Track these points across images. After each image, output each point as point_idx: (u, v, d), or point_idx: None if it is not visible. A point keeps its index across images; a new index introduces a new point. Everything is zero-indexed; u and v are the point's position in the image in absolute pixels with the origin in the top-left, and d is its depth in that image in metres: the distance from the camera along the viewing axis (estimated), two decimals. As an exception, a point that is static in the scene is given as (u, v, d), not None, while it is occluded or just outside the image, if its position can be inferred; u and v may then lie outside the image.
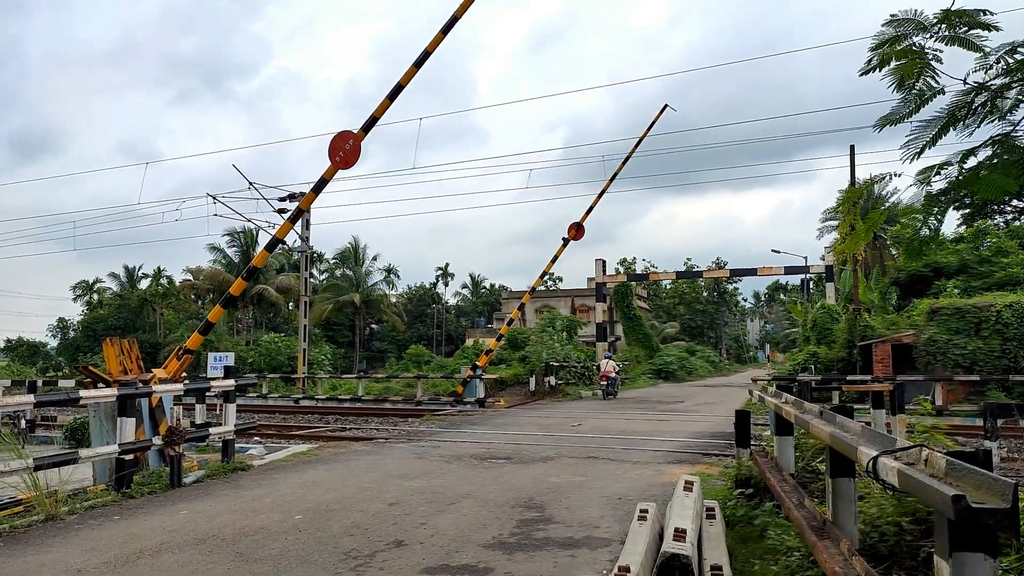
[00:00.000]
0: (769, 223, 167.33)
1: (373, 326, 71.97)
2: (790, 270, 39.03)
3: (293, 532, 6.07)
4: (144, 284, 66.81)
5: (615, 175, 27.33)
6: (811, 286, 48.02)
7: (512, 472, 9.15)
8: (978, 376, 21.11)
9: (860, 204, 5.09)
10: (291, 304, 57.17)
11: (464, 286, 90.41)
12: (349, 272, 62.47)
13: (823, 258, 34.97)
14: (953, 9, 3.82)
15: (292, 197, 31.01)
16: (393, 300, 69.06)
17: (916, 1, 4.02)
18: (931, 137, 3.97)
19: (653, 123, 27.06)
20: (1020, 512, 2.51)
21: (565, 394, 27.34)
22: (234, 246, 55.36)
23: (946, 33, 3.90)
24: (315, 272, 65.48)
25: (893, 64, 4.04)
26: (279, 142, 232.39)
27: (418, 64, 15.12)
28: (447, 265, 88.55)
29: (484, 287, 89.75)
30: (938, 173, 4.10)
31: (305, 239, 32.10)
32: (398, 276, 74.74)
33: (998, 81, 3.88)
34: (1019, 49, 3.80)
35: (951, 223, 43.17)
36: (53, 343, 73.66)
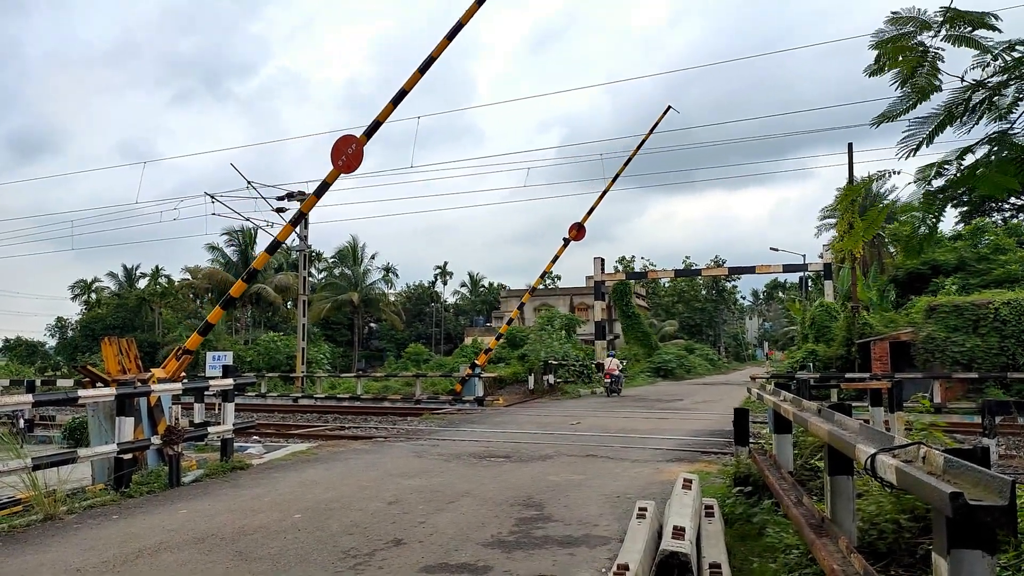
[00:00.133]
0: (767, 221, 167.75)
1: (372, 325, 71.96)
2: (788, 268, 39.08)
3: (292, 531, 6.07)
4: (142, 284, 66.78)
5: (616, 176, 27.35)
6: (809, 284, 48.04)
7: (511, 470, 9.15)
8: (976, 373, 21.13)
9: (858, 202, 5.08)
10: (289, 303, 57.13)
11: (463, 285, 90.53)
12: (347, 271, 62.44)
13: (821, 256, 35.03)
14: (962, 10, 3.81)
15: (291, 196, 30.97)
16: (392, 299, 69.03)
17: (916, 0, 4.02)
18: (928, 134, 3.97)
19: (656, 124, 27.08)
20: (1018, 509, 2.52)
21: (564, 392, 27.35)
22: (232, 245, 55.34)
23: (951, 33, 3.90)
24: (313, 271, 65.39)
25: (900, 60, 4.03)
26: (278, 141, 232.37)
27: (422, 70, 15.14)
28: (445, 264, 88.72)
29: (483, 286, 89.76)
30: (939, 173, 4.10)
31: (303, 238, 32.07)
32: (396, 275, 74.89)
33: (996, 79, 3.88)
34: (1017, 47, 3.80)
35: (949, 221, 43.24)
36: (51, 343, 73.73)
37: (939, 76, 3.96)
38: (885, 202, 26.07)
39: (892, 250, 38.73)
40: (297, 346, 32.19)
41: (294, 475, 9.00)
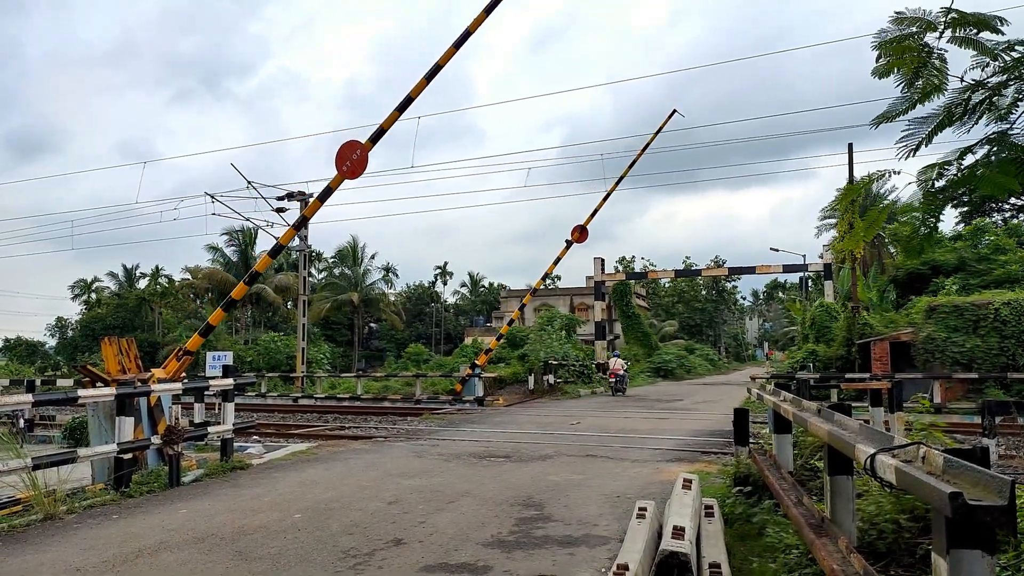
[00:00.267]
0: (768, 221, 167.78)
1: (372, 325, 71.96)
2: (788, 268, 39.08)
3: (292, 531, 6.07)
4: (142, 283, 66.82)
5: (620, 180, 27.37)
6: (809, 284, 48.06)
7: (511, 470, 9.15)
8: (976, 374, 21.14)
9: (858, 202, 5.08)
10: (290, 303, 57.13)
11: (463, 285, 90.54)
12: (348, 271, 62.43)
13: (821, 256, 35.03)
14: (966, 12, 3.81)
15: (291, 196, 30.97)
16: (392, 299, 69.03)
17: (914, 0, 4.01)
18: (927, 134, 3.97)
19: (661, 128, 27.09)
20: (1017, 509, 2.52)
21: (564, 392, 27.35)
22: (232, 245, 55.32)
23: (957, 34, 3.89)
24: (313, 271, 65.38)
25: (904, 60, 4.02)
26: (278, 141, 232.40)
27: (428, 77, 15.19)
28: (446, 264, 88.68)
29: (483, 286, 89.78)
30: (940, 174, 4.10)
31: (303, 238, 32.06)
32: (396, 275, 74.90)
33: (995, 79, 3.88)
34: (1016, 47, 3.80)
35: (950, 221, 43.25)
36: (51, 342, 73.79)
37: (944, 77, 3.96)
38: (885, 202, 26.11)
39: (892, 250, 38.73)
40: (297, 346, 32.19)
41: (294, 475, 9.00)
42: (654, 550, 4.54)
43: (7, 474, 6.79)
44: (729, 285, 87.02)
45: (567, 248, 27.47)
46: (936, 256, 30.69)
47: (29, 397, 7.62)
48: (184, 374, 11.87)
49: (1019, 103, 3.90)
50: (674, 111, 27.16)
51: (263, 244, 55.56)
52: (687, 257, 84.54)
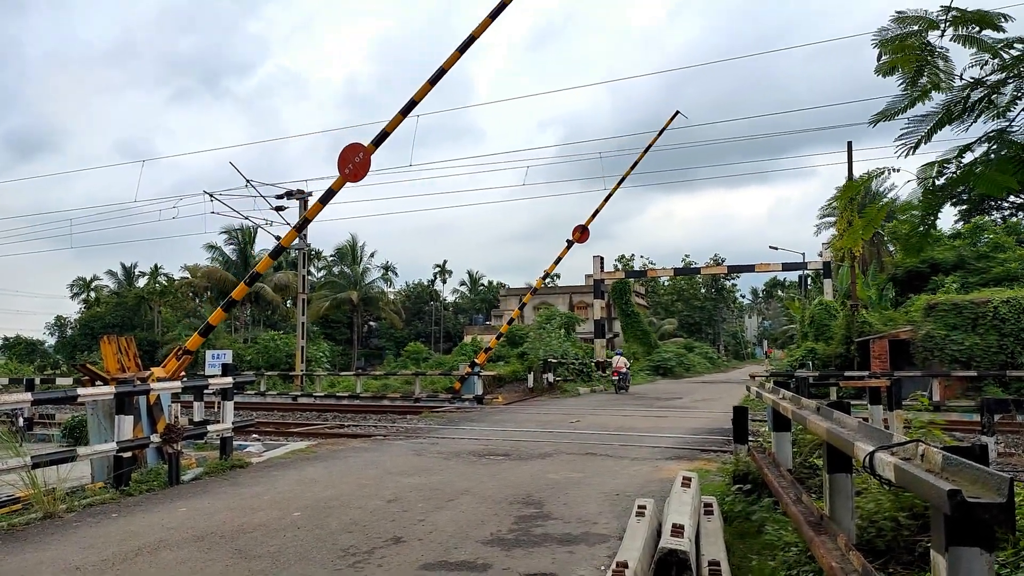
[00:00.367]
0: (767, 220, 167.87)
1: (371, 323, 71.98)
2: (788, 266, 39.08)
3: (292, 529, 6.07)
4: (142, 282, 66.84)
5: (622, 180, 27.40)
6: (809, 282, 48.10)
7: (510, 468, 9.16)
8: (975, 372, 21.17)
9: (857, 200, 5.08)
10: (289, 301, 57.11)
11: (462, 283, 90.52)
12: (347, 269, 62.42)
13: (821, 254, 35.01)
14: (968, 11, 3.80)
15: (289, 195, 30.95)
16: (391, 297, 69.02)
17: (914, 1, 4.01)
18: (927, 132, 3.97)
19: (663, 129, 27.11)
20: (1016, 507, 2.52)
21: (563, 391, 27.37)
22: (232, 244, 55.32)
23: (959, 32, 3.89)
24: (312, 269, 65.38)
25: (905, 59, 4.02)
26: (277, 140, 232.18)
27: (432, 82, 15.23)
28: (445, 262, 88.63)
29: (482, 284, 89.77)
30: (940, 172, 4.10)
31: (303, 236, 32.06)
32: (396, 273, 74.83)
33: (994, 77, 3.88)
34: (1015, 45, 3.79)
35: (948, 219, 43.29)
36: (51, 341, 73.76)
37: (946, 76, 3.96)
38: (884, 200, 26.02)
39: (891, 248, 38.75)
40: (296, 344, 32.20)
41: (293, 473, 9.00)
42: (653, 548, 4.55)
43: (7, 472, 6.79)
44: (728, 283, 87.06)
45: (568, 248, 27.48)
46: (935, 254, 30.72)
47: (28, 396, 7.60)
48: (184, 373, 11.88)
49: (1018, 101, 3.89)
50: (676, 112, 27.18)
51: (262, 243, 55.62)
52: (686, 255, 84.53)
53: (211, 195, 29.16)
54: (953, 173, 4.08)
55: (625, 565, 4.03)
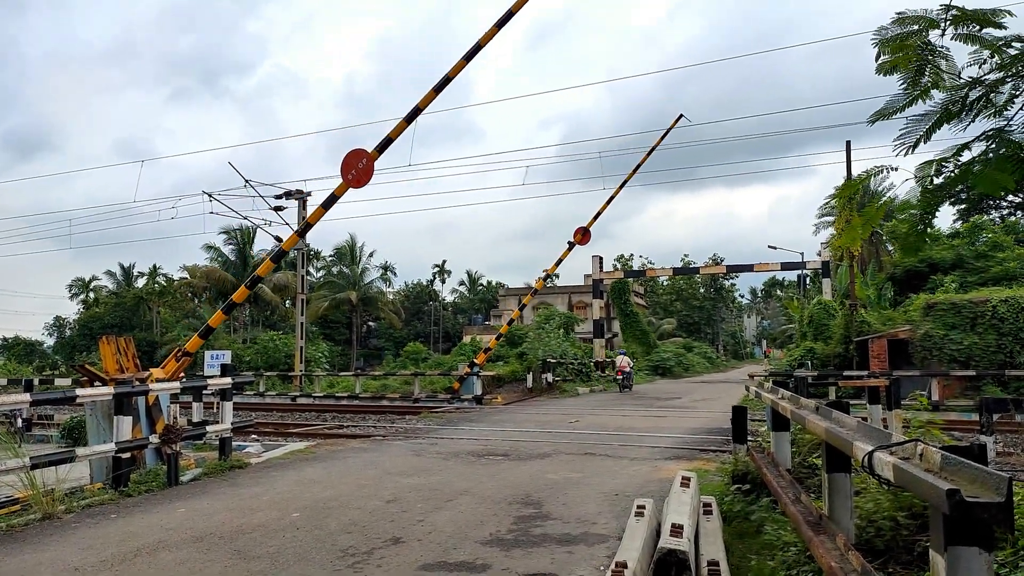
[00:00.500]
0: (766, 219, 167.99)
1: (370, 323, 71.96)
2: (787, 266, 39.07)
3: (291, 530, 6.07)
4: (140, 282, 66.81)
5: (624, 183, 27.49)
6: (808, 282, 48.06)
7: (509, 469, 9.15)
8: (974, 371, 21.18)
9: (856, 199, 5.08)
10: (288, 302, 57.06)
11: (461, 283, 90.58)
12: (346, 269, 62.36)
13: (819, 254, 35.02)
14: (968, 10, 3.80)
15: (288, 195, 30.92)
16: (390, 297, 69.03)
17: (914, 1, 4.01)
18: (926, 131, 3.97)
19: (666, 133, 27.20)
20: (1015, 506, 2.52)
21: (562, 391, 27.36)
22: (230, 244, 55.24)
23: (960, 31, 3.89)
24: (312, 269, 65.35)
25: (906, 58, 4.01)
26: (276, 139, 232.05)
27: (437, 89, 15.29)
28: (444, 262, 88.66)
29: (481, 284, 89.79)
30: (939, 171, 4.10)
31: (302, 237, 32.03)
32: (395, 273, 74.91)
33: (992, 76, 3.88)
34: (1013, 44, 3.80)
35: (947, 219, 43.31)
36: (49, 341, 73.76)
37: (947, 75, 3.96)
38: (883, 199, 26.12)
39: (890, 248, 38.78)
40: (295, 345, 32.17)
41: (292, 474, 9.00)
42: (652, 548, 4.55)
43: (5, 473, 6.78)
44: (727, 283, 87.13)
45: (569, 249, 27.51)
46: (934, 254, 30.74)
47: (27, 396, 7.59)
48: (183, 373, 11.87)
49: (1016, 100, 3.90)
50: (680, 116, 27.30)
51: (261, 243, 55.63)
52: (685, 255, 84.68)
53: (210, 195, 29.12)
54: (951, 172, 4.08)
55: (624, 565, 4.02)
